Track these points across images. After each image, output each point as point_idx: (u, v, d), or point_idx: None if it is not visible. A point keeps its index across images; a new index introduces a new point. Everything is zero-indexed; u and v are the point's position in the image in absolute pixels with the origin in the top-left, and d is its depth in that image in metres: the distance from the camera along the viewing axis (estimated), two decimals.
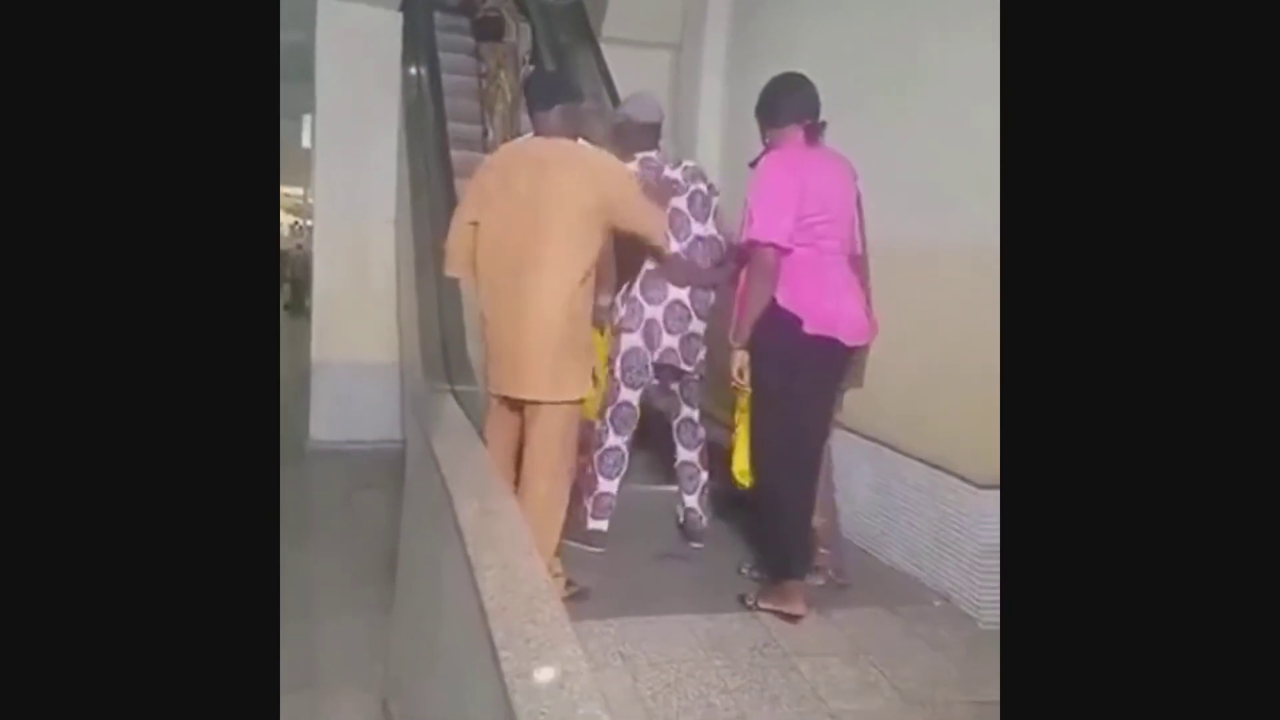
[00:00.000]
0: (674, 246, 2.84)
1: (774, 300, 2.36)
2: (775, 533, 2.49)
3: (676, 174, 2.93)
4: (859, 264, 2.55)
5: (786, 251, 2.36)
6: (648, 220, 2.52)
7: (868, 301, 2.54)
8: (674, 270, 2.84)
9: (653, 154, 2.97)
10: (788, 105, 2.50)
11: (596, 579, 2.55)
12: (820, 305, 2.37)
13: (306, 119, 7.65)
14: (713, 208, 3.01)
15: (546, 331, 2.30)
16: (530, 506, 2.27)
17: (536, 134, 2.54)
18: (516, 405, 2.42)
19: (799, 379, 2.39)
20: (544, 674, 1.40)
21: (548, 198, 2.30)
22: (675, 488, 3.15)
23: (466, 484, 2.09)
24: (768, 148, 2.52)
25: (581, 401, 2.42)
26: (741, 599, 2.46)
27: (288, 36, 6.66)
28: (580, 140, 2.50)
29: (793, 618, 2.35)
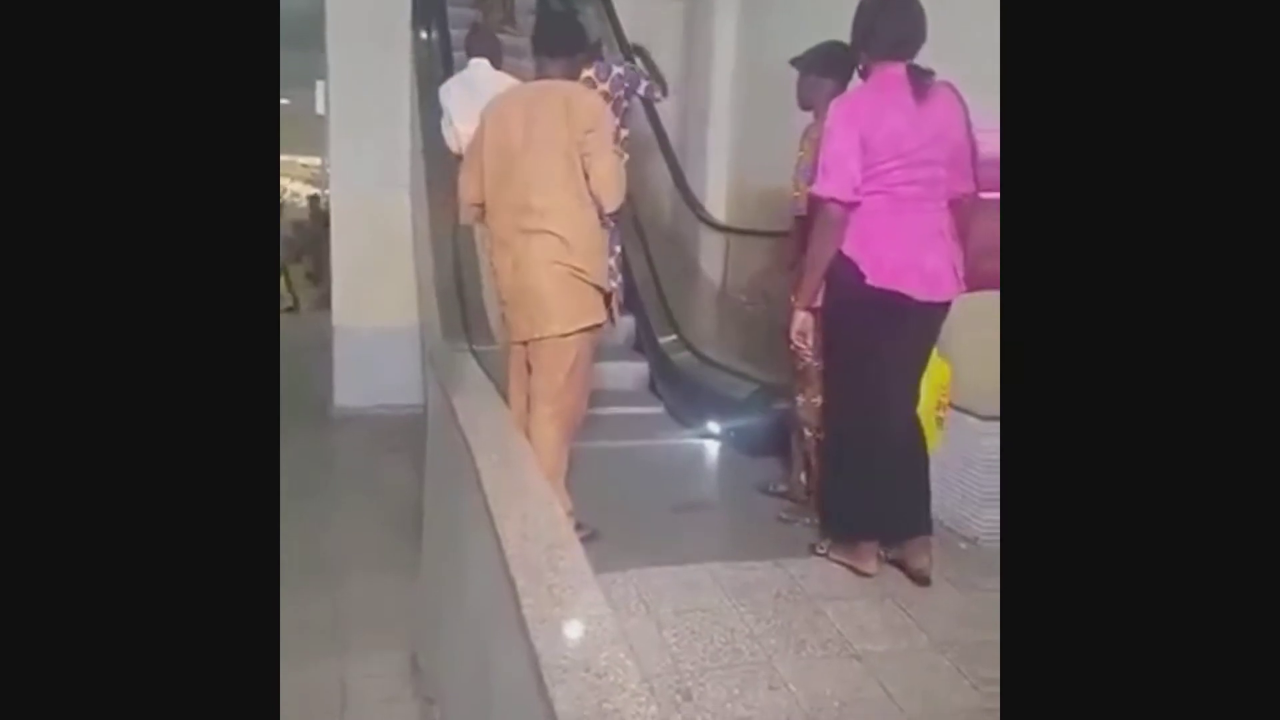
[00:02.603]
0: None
1: (839, 252, 2.19)
2: (834, 491, 2.44)
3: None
4: (963, 208, 2.26)
5: (853, 205, 2.18)
6: (604, 166, 2.43)
7: (978, 254, 2.24)
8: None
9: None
10: (882, 34, 2.20)
11: (616, 531, 2.56)
12: (887, 256, 2.16)
13: (320, 85, 7.62)
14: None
15: (542, 270, 2.43)
16: (537, 440, 2.47)
17: (538, 78, 2.61)
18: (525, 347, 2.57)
19: (863, 337, 2.22)
20: (566, 619, 1.41)
21: (536, 139, 2.42)
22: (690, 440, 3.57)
23: (486, 437, 2.10)
24: (862, 76, 2.28)
25: (590, 330, 2.50)
26: (812, 547, 2.43)
27: (299, 2, 6.61)
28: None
29: (863, 574, 2.32)
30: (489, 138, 2.53)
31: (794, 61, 2.78)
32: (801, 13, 4.26)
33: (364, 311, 5.38)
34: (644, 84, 3.95)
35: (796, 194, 2.66)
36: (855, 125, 2.16)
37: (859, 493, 2.32)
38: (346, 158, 5.50)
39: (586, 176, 2.43)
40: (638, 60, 4.14)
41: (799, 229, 2.65)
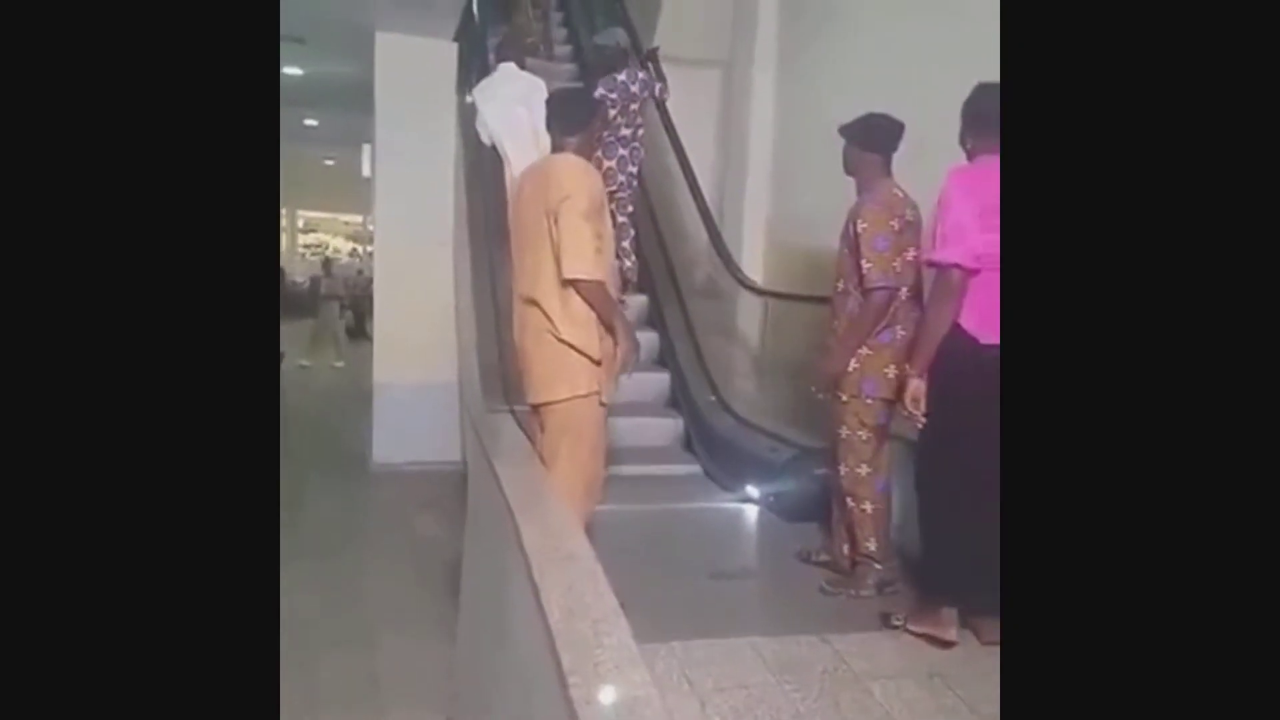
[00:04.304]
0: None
1: (955, 324, 2.23)
2: (931, 557, 2.40)
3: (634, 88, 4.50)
4: None
5: (974, 272, 2.22)
6: (566, 238, 2.42)
7: None
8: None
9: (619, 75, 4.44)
10: (996, 117, 2.25)
11: (655, 598, 2.52)
12: None
13: (366, 148, 7.87)
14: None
15: (531, 337, 2.54)
16: None
17: (554, 151, 2.70)
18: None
19: (977, 406, 2.17)
20: (613, 700, 1.38)
21: (524, 211, 2.57)
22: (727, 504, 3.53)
23: (530, 507, 2.09)
24: (969, 155, 2.37)
25: (586, 397, 2.51)
26: (886, 618, 2.40)
27: (348, 68, 6.84)
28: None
29: (945, 644, 2.27)
30: (510, 211, 2.68)
31: (841, 130, 2.82)
32: (840, 76, 4.33)
33: (404, 368, 5.45)
34: (658, 86, 4.66)
35: (869, 265, 2.64)
36: (976, 197, 2.21)
37: (960, 560, 2.27)
38: (391, 218, 5.64)
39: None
40: (651, 67, 4.79)
41: (885, 297, 2.65)
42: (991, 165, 2.24)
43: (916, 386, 2.30)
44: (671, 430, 4.37)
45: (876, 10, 4.14)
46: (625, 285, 4.42)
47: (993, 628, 2.27)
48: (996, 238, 2.14)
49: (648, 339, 4.63)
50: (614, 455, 2.93)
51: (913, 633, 2.32)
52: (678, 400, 4.53)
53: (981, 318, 2.22)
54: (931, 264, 2.28)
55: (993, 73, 2.92)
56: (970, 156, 2.35)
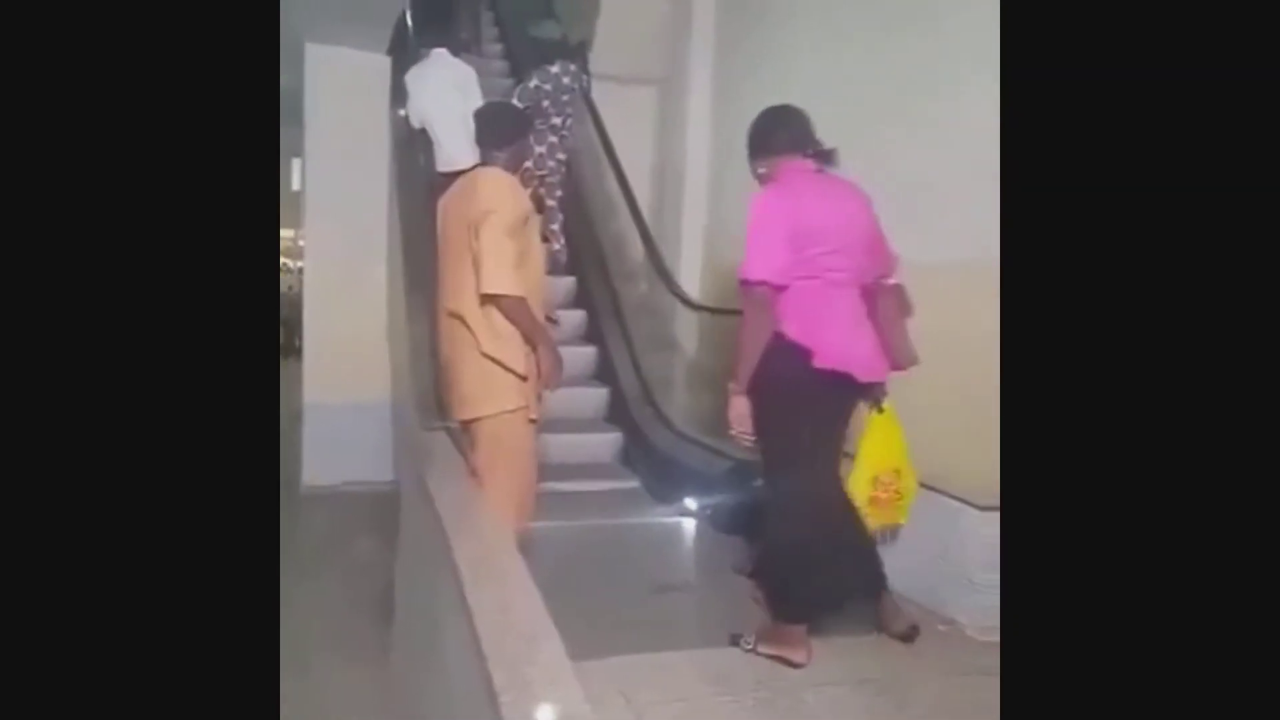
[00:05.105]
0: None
1: (780, 336, 2.24)
2: (780, 574, 2.37)
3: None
4: (875, 295, 2.40)
5: (781, 289, 2.25)
6: (487, 253, 2.41)
7: (901, 334, 2.41)
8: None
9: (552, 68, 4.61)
10: (780, 135, 2.43)
11: (593, 614, 2.51)
12: (831, 338, 2.25)
13: (296, 162, 7.70)
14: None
15: (457, 352, 2.52)
16: None
17: (480, 164, 2.71)
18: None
19: (809, 416, 2.26)
20: (546, 718, 1.37)
21: (450, 225, 2.57)
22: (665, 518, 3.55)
23: (462, 524, 2.07)
24: (761, 181, 2.44)
25: (513, 412, 2.50)
26: (736, 640, 2.32)
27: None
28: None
29: (794, 665, 2.23)
30: (438, 224, 2.66)
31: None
32: (775, 96, 4.40)
33: (336, 386, 5.33)
34: (585, 79, 4.91)
35: None
36: (783, 212, 2.28)
37: (805, 578, 2.28)
38: (322, 233, 5.54)
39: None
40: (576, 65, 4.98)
41: None
42: (791, 180, 2.35)
43: (740, 404, 2.26)
44: (595, 401, 4.54)
45: (811, 30, 4.23)
46: (555, 268, 4.54)
47: (895, 621, 2.37)
48: (814, 251, 2.26)
49: (575, 316, 4.76)
50: (545, 425, 2.86)
51: (762, 655, 2.26)
52: (603, 376, 4.66)
53: (812, 335, 2.23)
54: (741, 283, 2.29)
55: (923, 95, 3.02)
56: (764, 180, 2.44)
